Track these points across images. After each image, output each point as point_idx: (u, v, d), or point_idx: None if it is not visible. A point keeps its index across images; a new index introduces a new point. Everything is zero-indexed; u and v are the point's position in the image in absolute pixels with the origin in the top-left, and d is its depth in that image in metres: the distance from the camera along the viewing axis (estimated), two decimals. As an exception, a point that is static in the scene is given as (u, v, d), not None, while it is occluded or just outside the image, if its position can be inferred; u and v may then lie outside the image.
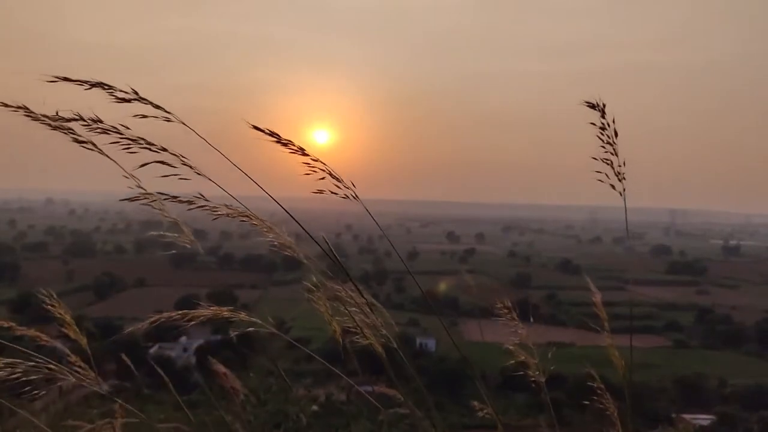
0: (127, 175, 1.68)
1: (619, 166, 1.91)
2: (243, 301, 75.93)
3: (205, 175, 1.67)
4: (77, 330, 2.03)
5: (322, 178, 1.76)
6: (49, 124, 1.64)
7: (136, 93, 1.63)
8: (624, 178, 1.90)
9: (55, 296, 2.08)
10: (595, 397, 2.28)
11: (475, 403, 2.40)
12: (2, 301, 69.44)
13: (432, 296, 75.53)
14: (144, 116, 1.63)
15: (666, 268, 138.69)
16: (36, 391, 1.87)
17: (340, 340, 2.04)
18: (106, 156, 1.68)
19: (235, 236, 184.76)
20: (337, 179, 1.77)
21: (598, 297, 2.31)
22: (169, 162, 1.66)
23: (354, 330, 1.99)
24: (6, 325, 2.04)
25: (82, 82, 1.59)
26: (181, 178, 1.66)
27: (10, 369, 1.83)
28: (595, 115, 1.89)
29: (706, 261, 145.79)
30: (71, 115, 1.61)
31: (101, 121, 1.63)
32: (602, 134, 1.88)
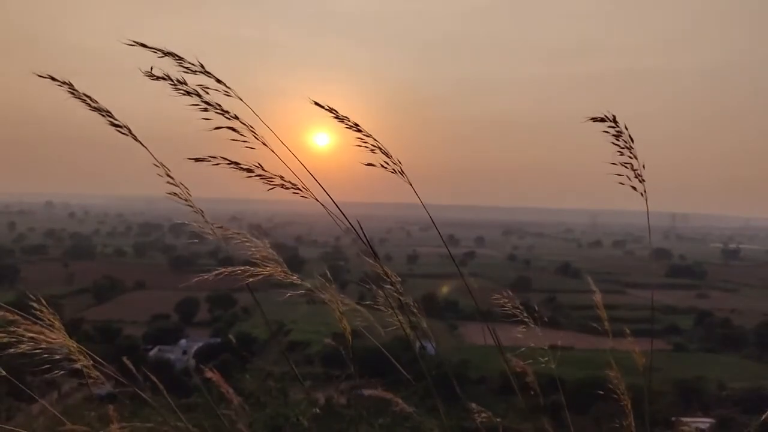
0: (158, 164, 1.75)
1: (636, 169, 1.95)
2: (243, 303, 75.79)
3: (269, 147, 1.74)
4: (66, 335, 1.98)
5: (373, 151, 1.84)
6: (90, 105, 1.72)
7: (202, 66, 1.72)
8: (644, 180, 1.94)
9: (43, 301, 2.00)
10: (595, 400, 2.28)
11: (473, 405, 2.40)
12: (1, 304, 69.26)
13: (432, 299, 75.52)
14: (207, 88, 1.72)
15: (666, 271, 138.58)
16: (50, 372, 1.86)
17: (350, 340, 2.06)
18: (140, 143, 1.75)
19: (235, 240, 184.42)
20: (387, 155, 1.85)
21: (598, 297, 2.31)
22: (238, 130, 1.75)
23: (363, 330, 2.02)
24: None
25: (156, 50, 1.68)
26: (248, 147, 1.74)
27: (33, 344, 1.84)
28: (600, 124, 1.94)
29: (705, 264, 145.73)
30: (160, 74, 1.69)
31: (185, 83, 1.72)
32: (618, 140, 1.93)
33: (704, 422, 36.45)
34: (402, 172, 1.86)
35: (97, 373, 1.94)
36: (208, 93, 1.73)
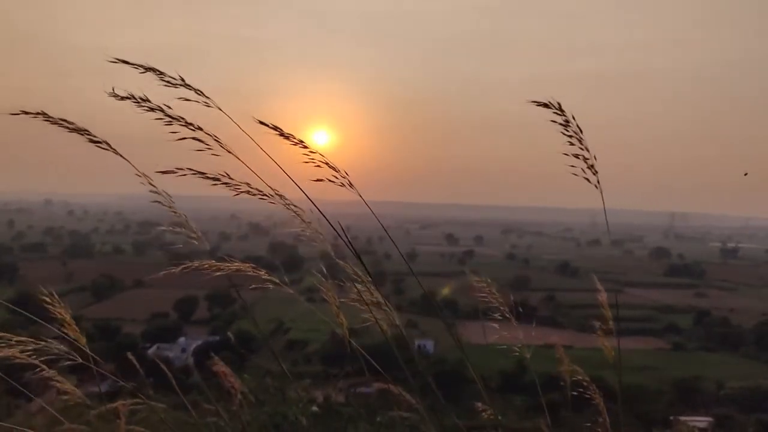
0: (139, 174, 1.79)
1: (588, 159, 1.94)
2: (242, 301, 75.82)
3: (235, 155, 1.79)
4: (77, 329, 2.02)
5: (319, 166, 1.86)
6: (67, 128, 1.76)
7: (182, 79, 1.76)
8: (596, 171, 1.93)
9: (55, 295, 2.07)
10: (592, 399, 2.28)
11: (478, 404, 2.41)
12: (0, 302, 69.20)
13: (431, 297, 75.54)
14: (187, 99, 1.76)
15: (665, 270, 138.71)
16: (44, 371, 1.88)
17: (347, 334, 2.07)
18: (120, 155, 1.80)
19: (234, 238, 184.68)
20: (335, 169, 1.88)
21: (603, 297, 2.31)
22: (203, 140, 1.79)
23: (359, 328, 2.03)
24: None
25: (137, 66, 1.72)
26: (213, 154, 1.78)
27: (21, 346, 1.87)
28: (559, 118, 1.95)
29: (704, 264, 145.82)
30: (124, 94, 1.72)
31: (149, 100, 1.75)
32: (566, 130, 1.92)
33: (702, 421, 36.50)
34: (351, 185, 1.89)
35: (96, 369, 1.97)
36: (171, 108, 1.76)
